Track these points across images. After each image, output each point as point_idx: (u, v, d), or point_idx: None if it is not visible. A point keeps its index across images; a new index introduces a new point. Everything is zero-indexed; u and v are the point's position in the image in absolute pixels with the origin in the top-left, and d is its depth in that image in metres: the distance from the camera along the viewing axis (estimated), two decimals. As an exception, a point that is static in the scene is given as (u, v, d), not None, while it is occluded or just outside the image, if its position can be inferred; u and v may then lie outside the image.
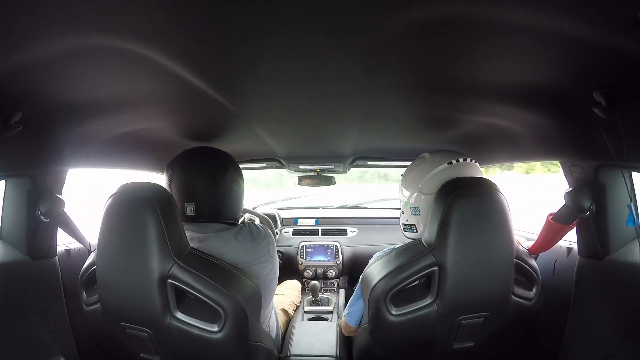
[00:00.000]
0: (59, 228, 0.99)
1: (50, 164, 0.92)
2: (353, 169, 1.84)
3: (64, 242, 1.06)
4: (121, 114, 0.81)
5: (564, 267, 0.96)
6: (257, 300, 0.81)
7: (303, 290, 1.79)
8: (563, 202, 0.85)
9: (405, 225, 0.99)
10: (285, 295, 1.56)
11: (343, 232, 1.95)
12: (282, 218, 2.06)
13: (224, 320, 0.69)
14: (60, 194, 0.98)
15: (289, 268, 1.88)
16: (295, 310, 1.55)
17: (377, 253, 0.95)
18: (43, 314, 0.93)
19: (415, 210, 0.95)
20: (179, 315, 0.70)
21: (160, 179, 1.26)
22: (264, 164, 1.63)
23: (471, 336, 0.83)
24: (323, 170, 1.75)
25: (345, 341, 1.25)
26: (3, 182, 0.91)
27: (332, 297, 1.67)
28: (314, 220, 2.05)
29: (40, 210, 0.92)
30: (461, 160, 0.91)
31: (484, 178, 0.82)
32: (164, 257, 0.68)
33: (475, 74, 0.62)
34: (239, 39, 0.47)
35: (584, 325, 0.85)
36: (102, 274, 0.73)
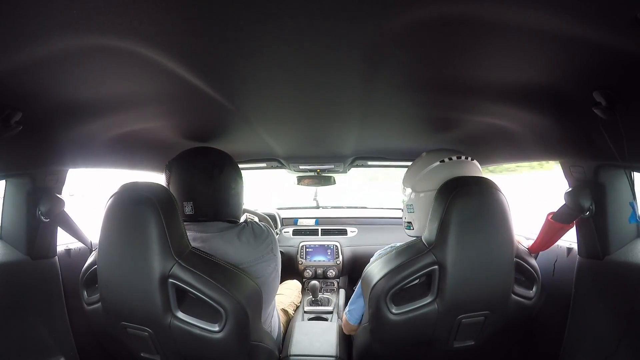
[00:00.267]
0: (59, 228, 1.00)
1: (50, 164, 0.92)
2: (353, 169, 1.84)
3: (64, 242, 1.06)
4: (121, 114, 0.81)
5: (564, 267, 0.96)
6: (258, 300, 0.81)
7: (303, 290, 1.79)
8: (562, 202, 0.85)
9: (405, 222, 1.02)
10: (286, 295, 1.56)
11: (343, 232, 1.95)
12: (282, 218, 2.06)
13: (224, 320, 0.69)
14: (60, 194, 0.98)
15: (289, 268, 1.88)
16: (295, 310, 1.55)
17: (378, 251, 0.95)
18: (43, 314, 0.93)
19: (411, 208, 0.98)
20: (180, 314, 0.70)
21: (161, 179, 1.26)
22: (264, 164, 1.63)
23: (471, 335, 0.83)
24: (323, 170, 1.75)
25: (345, 341, 1.25)
26: (3, 182, 0.91)
27: (332, 297, 1.67)
28: (314, 220, 2.05)
29: (40, 210, 0.92)
30: (454, 158, 0.91)
31: (484, 177, 0.82)
32: (165, 257, 0.68)
33: (476, 74, 0.62)
34: (239, 40, 0.47)
35: (584, 325, 0.85)
36: (103, 273, 0.73)
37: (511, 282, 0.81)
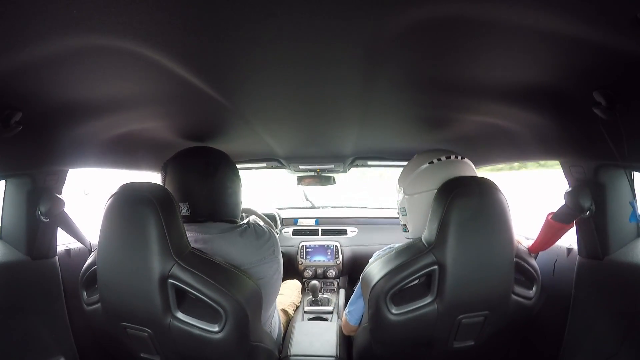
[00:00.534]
0: (59, 228, 1.00)
1: (50, 164, 0.92)
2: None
3: (64, 242, 1.06)
4: (122, 114, 0.81)
5: (564, 267, 0.96)
6: (257, 300, 0.81)
7: (303, 290, 1.79)
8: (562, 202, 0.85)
9: (401, 225, 1.02)
10: (286, 295, 1.56)
11: (343, 232, 1.95)
12: (282, 218, 2.06)
13: (224, 321, 0.69)
14: (60, 194, 0.98)
15: (289, 268, 1.88)
16: (295, 310, 1.55)
17: (377, 252, 0.95)
18: (43, 314, 0.93)
19: (404, 211, 0.98)
20: (180, 315, 0.70)
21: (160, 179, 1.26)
22: (264, 164, 1.63)
23: (471, 335, 0.83)
24: (323, 170, 1.75)
25: (345, 341, 1.25)
26: (3, 182, 0.91)
27: (332, 297, 1.67)
28: (314, 220, 2.05)
29: (40, 210, 0.92)
30: (443, 158, 0.90)
31: (484, 177, 0.82)
32: (164, 257, 0.68)
33: (476, 74, 0.62)
34: (240, 39, 0.47)
35: (584, 326, 0.85)
36: (103, 273, 0.73)
37: (511, 282, 0.81)
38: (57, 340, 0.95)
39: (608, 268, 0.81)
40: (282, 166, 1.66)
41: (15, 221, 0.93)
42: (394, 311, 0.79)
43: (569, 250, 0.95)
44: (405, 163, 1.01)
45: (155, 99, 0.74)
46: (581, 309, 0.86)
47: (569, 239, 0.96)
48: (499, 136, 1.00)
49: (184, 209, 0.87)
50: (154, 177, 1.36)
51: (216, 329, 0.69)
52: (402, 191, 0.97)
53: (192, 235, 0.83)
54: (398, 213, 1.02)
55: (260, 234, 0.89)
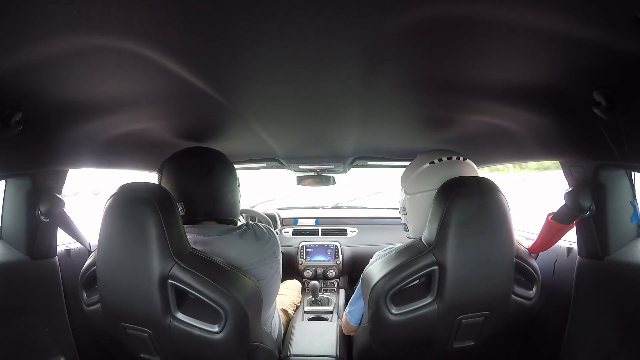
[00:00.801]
0: (59, 228, 1.00)
1: (50, 164, 0.92)
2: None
3: (64, 242, 1.06)
4: (122, 114, 0.81)
5: (564, 267, 0.96)
6: (257, 301, 0.81)
7: (303, 290, 1.79)
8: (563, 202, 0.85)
9: (402, 224, 1.03)
10: (286, 295, 1.56)
11: (343, 232, 1.95)
12: (282, 218, 2.06)
13: (224, 321, 0.69)
14: (60, 194, 0.98)
15: (289, 268, 1.88)
16: (295, 310, 1.55)
17: (377, 252, 0.96)
18: (43, 314, 0.93)
19: (404, 210, 0.99)
20: (180, 315, 0.70)
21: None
22: (264, 164, 1.63)
23: (471, 335, 0.83)
24: (323, 170, 1.75)
25: (345, 341, 1.25)
26: (3, 182, 0.91)
27: (332, 297, 1.67)
28: (314, 220, 2.05)
29: (40, 210, 0.92)
30: (444, 158, 0.90)
31: (484, 177, 0.82)
32: (164, 258, 0.68)
33: (476, 74, 0.62)
34: (239, 39, 0.47)
35: (584, 326, 0.85)
36: (103, 274, 0.73)
37: (511, 282, 0.81)
38: (57, 340, 0.95)
39: (608, 268, 0.81)
40: (282, 166, 1.66)
41: (15, 221, 0.93)
42: (394, 311, 0.79)
43: (569, 250, 0.95)
44: (405, 163, 1.01)
45: (155, 99, 0.74)
46: (581, 309, 0.86)
47: (569, 239, 0.96)
48: (499, 136, 1.00)
49: (179, 209, 0.86)
50: (154, 178, 1.36)
51: (216, 329, 0.69)
52: (403, 191, 0.98)
53: (192, 237, 0.83)
54: (399, 212, 1.02)
55: (260, 236, 0.89)
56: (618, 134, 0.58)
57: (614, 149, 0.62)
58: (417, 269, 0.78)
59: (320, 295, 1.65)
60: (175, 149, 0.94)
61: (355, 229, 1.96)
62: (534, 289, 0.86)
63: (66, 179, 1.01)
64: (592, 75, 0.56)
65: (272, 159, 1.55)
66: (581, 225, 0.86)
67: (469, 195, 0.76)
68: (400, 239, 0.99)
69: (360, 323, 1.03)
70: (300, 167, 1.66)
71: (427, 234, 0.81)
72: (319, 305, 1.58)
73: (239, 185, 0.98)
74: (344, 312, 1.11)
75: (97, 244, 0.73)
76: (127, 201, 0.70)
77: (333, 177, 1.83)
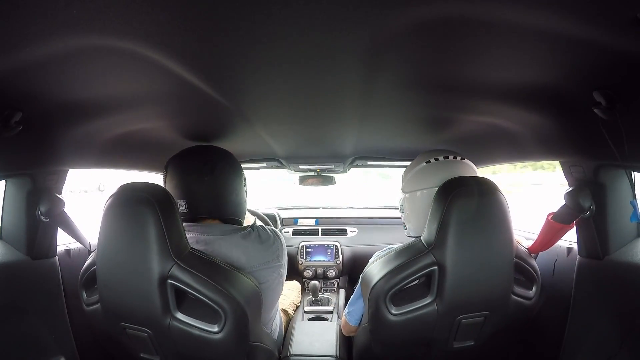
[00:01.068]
0: (58, 228, 1.00)
1: (50, 164, 0.92)
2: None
3: (64, 242, 1.06)
4: (121, 114, 0.81)
5: (564, 267, 0.96)
6: (257, 301, 0.81)
7: (303, 290, 1.79)
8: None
9: (403, 223, 1.04)
10: (285, 295, 1.56)
11: (343, 232, 1.95)
12: (282, 218, 2.06)
13: (224, 321, 0.69)
14: (60, 194, 0.98)
15: (289, 268, 1.86)
16: (295, 311, 1.56)
17: (377, 252, 0.96)
18: (43, 314, 0.94)
19: (402, 209, 1.00)
20: (179, 315, 0.70)
21: (161, 179, 1.27)
22: (264, 164, 1.63)
23: (471, 335, 0.83)
24: (323, 170, 1.75)
25: (345, 341, 1.25)
26: (3, 182, 0.91)
27: (332, 297, 1.67)
28: (314, 220, 2.05)
29: (40, 210, 0.92)
30: (441, 158, 0.91)
31: (483, 177, 0.82)
32: (164, 258, 0.68)
33: (475, 74, 0.62)
34: (239, 39, 0.47)
35: (584, 325, 0.85)
36: (102, 274, 0.73)
37: (511, 282, 0.81)
38: (57, 340, 0.95)
39: (608, 268, 0.81)
40: (282, 166, 1.66)
41: (15, 221, 0.93)
42: (393, 311, 0.79)
43: (569, 250, 0.95)
44: (405, 163, 1.02)
45: (155, 98, 0.74)
46: (581, 309, 0.86)
47: (569, 239, 0.96)
48: (499, 136, 1.00)
49: (181, 207, 0.86)
50: (154, 177, 1.36)
51: (216, 329, 0.69)
52: (401, 190, 0.99)
53: (193, 237, 0.82)
54: (399, 211, 1.03)
55: (265, 239, 0.88)
56: (618, 134, 0.58)
57: (614, 149, 0.62)
58: (417, 269, 0.78)
59: (320, 295, 1.65)
60: (174, 149, 0.94)
61: (355, 229, 1.96)
62: (533, 289, 0.86)
63: (66, 179, 1.01)
64: (592, 76, 0.56)
65: (272, 159, 1.55)
66: (581, 225, 0.86)
67: (469, 196, 0.76)
68: (400, 239, 0.99)
69: (360, 323, 1.03)
70: (300, 167, 1.66)
71: (426, 234, 0.81)
72: (319, 305, 1.58)
73: (245, 185, 0.97)
74: (343, 312, 1.11)
75: (96, 244, 0.73)
76: (126, 201, 0.70)
77: (333, 177, 1.83)
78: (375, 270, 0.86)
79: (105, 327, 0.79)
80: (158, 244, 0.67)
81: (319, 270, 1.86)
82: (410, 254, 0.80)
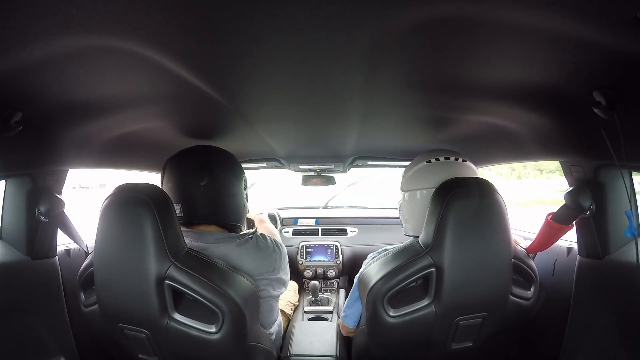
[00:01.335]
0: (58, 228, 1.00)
1: (50, 164, 0.92)
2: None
3: (64, 242, 1.06)
4: (121, 114, 0.81)
5: (564, 267, 0.96)
6: (255, 301, 0.81)
7: (303, 290, 1.79)
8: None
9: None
10: (282, 296, 1.55)
11: (343, 232, 1.95)
12: (282, 218, 2.06)
13: (221, 321, 0.69)
14: (60, 194, 0.98)
15: (289, 268, 1.88)
16: (293, 310, 1.55)
17: (371, 254, 0.95)
18: (43, 314, 0.94)
19: (400, 208, 1.00)
20: (177, 316, 0.70)
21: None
22: (264, 164, 1.63)
23: (469, 337, 0.83)
24: (323, 170, 1.75)
25: (345, 341, 1.25)
26: (3, 182, 0.91)
27: (332, 297, 1.67)
28: (314, 220, 2.05)
29: (40, 210, 0.92)
30: (441, 159, 0.90)
31: (481, 178, 0.82)
32: (161, 258, 0.67)
33: (476, 74, 0.62)
34: (240, 39, 0.47)
35: (584, 325, 0.85)
36: (100, 275, 0.73)
37: (509, 283, 0.81)
38: (57, 340, 0.95)
39: (608, 268, 0.80)
40: (282, 166, 1.66)
41: (15, 221, 0.93)
42: (391, 313, 0.79)
43: (569, 250, 0.95)
44: (405, 163, 1.02)
45: (155, 98, 0.74)
46: (581, 309, 0.86)
47: (569, 239, 0.95)
48: (499, 136, 1.00)
49: (177, 210, 0.83)
50: (156, 178, 1.36)
51: (213, 329, 0.69)
52: (400, 189, 0.99)
53: (187, 243, 0.80)
54: (398, 210, 1.03)
55: (263, 247, 0.84)
56: (618, 134, 0.58)
57: (614, 149, 0.61)
58: (415, 271, 0.77)
59: (320, 295, 1.65)
60: (174, 149, 0.94)
61: (355, 229, 1.96)
62: (531, 289, 0.86)
63: (66, 179, 1.01)
64: (592, 75, 0.56)
65: (272, 159, 1.55)
66: (581, 225, 0.86)
67: (466, 197, 0.76)
68: (401, 239, 0.99)
69: (358, 324, 1.03)
70: (301, 166, 1.66)
71: (424, 235, 0.81)
72: (319, 305, 1.58)
73: (245, 189, 0.93)
74: (340, 315, 1.11)
75: (94, 244, 0.73)
76: (123, 202, 0.70)
77: (333, 177, 1.83)
78: (372, 272, 0.85)
79: (104, 328, 0.79)
80: (155, 245, 0.67)
81: (319, 270, 1.86)
82: (408, 255, 0.80)
